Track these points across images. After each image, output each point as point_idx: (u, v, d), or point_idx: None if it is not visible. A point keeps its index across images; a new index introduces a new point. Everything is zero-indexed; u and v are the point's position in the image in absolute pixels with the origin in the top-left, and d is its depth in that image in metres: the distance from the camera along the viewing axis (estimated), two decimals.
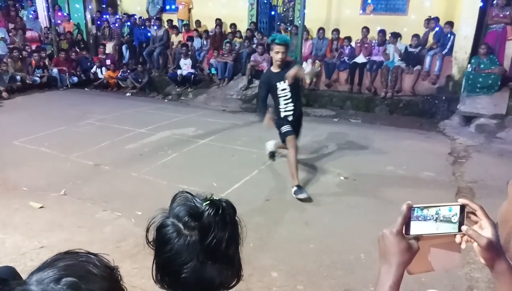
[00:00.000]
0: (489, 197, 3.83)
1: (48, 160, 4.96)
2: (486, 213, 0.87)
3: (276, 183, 4.38)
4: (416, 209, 0.86)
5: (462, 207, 0.87)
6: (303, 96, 8.21)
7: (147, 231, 0.99)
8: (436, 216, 0.86)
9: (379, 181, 4.46)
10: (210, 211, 0.94)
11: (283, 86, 4.05)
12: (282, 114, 4.15)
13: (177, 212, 0.97)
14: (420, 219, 0.86)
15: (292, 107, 4.14)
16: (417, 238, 0.88)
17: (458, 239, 0.88)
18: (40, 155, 5.11)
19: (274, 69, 4.09)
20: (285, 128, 4.14)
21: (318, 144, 5.80)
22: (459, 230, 0.86)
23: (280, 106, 4.14)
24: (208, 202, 0.97)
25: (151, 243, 1.00)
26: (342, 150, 5.57)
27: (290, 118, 4.16)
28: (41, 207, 3.67)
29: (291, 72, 3.87)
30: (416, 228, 0.87)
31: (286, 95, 4.08)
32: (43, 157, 5.04)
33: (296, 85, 4.10)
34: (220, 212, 0.95)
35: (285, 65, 4.01)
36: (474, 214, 0.88)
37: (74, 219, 3.49)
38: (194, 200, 0.99)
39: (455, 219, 0.86)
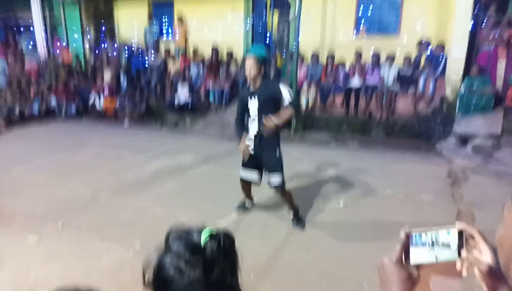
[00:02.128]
0: (489, 219, 3.80)
1: (46, 188, 4.93)
2: (484, 237, 0.86)
3: (274, 209, 4.35)
4: (414, 235, 0.86)
5: (460, 232, 0.85)
6: (298, 121, 8.32)
7: (144, 273, 0.95)
8: (435, 242, 0.85)
9: (378, 205, 4.44)
10: (213, 244, 0.92)
11: (252, 103, 3.58)
12: (247, 137, 3.71)
13: (175, 250, 0.94)
14: (419, 245, 0.85)
15: (256, 131, 3.61)
16: (417, 265, 0.87)
17: (458, 265, 0.86)
18: (38, 184, 5.08)
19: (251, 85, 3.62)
20: (241, 171, 3.82)
21: (315, 168, 5.81)
22: (459, 256, 0.85)
23: (248, 125, 3.70)
24: (207, 235, 0.95)
25: (149, 286, 0.96)
26: (340, 173, 5.57)
27: (251, 146, 3.68)
28: (38, 237, 3.62)
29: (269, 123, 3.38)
30: (416, 255, 0.86)
31: (254, 114, 3.60)
32: (41, 186, 5.02)
33: (268, 106, 3.52)
34: (222, 244, 0.94)
35: (262, 82, 3.54)
36: (473, 238, 0.87)
37: (71, 249, 3.45)
38: (191, 234, 0.96)
39: (454, 244, 0.85)
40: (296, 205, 3.96)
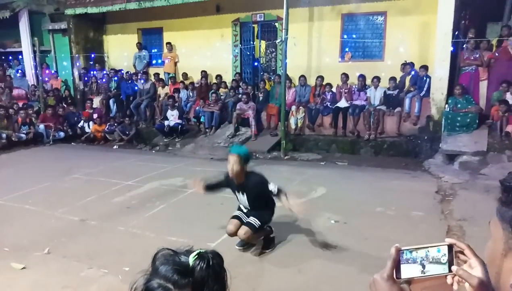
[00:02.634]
0: (480, 234, 3.83)
1: (32, 217, 4.83)
2: (474, 251, 0.86)
3: None
4: (405, 251, 0.85)
5: (450, 247, 0.86)
6: (288, 142, 8.38)
7: None
8: (425, 257, 0.85)
9: (369, 223, 4.44)
10: (202, 264, 0.91)
11: (240, 197, 3.73)
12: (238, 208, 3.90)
13: (163, 272, 0.92)
14: (409, 262, 0.85)
15: (247, 209, 3.77)
16: (409, 281, 0.86)
17: (449, 280, 0.86)
18: (24, 213, 4.98)
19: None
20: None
21: (306, 188, 5.81)
22: (450, 271, 0.85)
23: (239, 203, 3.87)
24: (196, 256, 0.94)
25: None
26: (331, 193, 5.58)
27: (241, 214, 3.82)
28: (23, 268, 3.52)
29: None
30: (407, 271, 0.85)
31: (244, 206, 3.76)
32: (27, 215, 4.91)
33: (258, 199, 3.63)
34: (211, 264, 0.93)
35: (246, 176, 3.60)
36: (462, 253, 0.87)
37: (58, 279, 3.35)
38: (179, 256, 0.95)
39: (444, 259, 0.85)
40: (268, 236, 3.87)
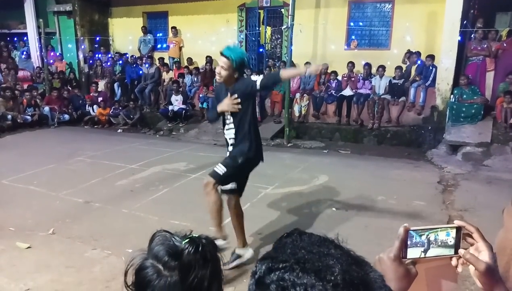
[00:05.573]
0: (480, 224, 3.82)
1: (37, 198, 4.89)
2: (482, 235, 0.85)
3: (268, 216, 4.36)
4: (413, 232, 0.84)
5: (458, 229, 0.85)
6: (291, 129, 8.36)
7: (126, 274, 0.96)
8: (433, 239, 0.85)
9: (370, 211, 4.47)
10: (190, 249, 0.92)
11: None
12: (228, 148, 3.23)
13: (156, 252, 0.94)
14: (417, 244, 0.84)
15: (233, 137, 3.15)
16: (414, 261, 0.85)
17: (454, 261, 0.86)
18: (29, 194, 5.04)
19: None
20: (230, 185, 3.19)
21: (309, 175, 5.84)
22: (456, 253, 0.84)
23: (224, 131, 3.23)
24: (187, 239, 0.94)
25: (130, 287, 0.96)
26: (333, 180, 5.60)
27: (232, 151, 3.17)
28: (28, 247, 3.59)
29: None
30: (413, 251, 0.85)
31: (229, 120, 3.14)
32: (32, 195, 4.98)
33: (245, 103, 3.06)
34: (200, 249, 0.93)
35: (236, 80, 3.09)
36: (471, 236, 0.86)
37: (62, 259, 3.42)
38: (173, 239, 0.96)
39: (451, 241, 0.85)
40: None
